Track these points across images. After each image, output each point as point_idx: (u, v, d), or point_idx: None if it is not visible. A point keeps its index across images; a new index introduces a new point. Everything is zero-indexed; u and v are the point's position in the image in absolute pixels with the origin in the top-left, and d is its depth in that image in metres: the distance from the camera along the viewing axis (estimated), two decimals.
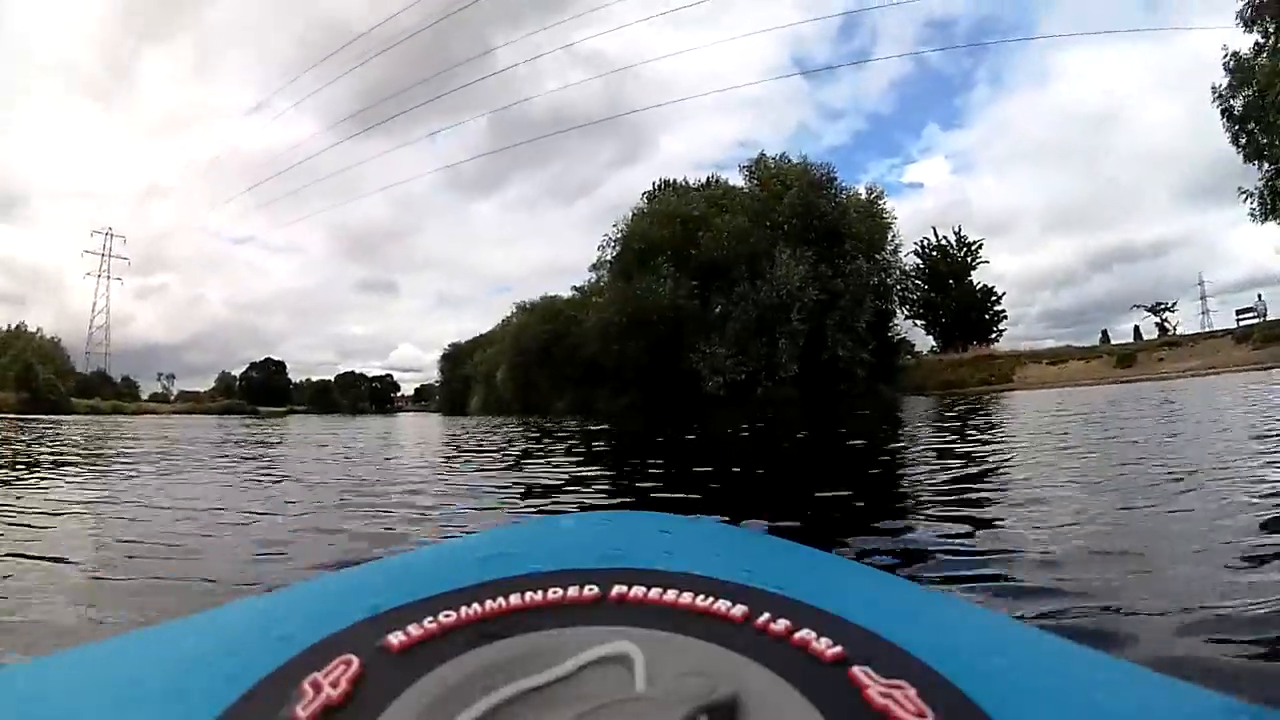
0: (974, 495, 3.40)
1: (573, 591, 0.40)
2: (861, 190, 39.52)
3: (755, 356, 34.97)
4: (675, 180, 42.75)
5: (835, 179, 39.20)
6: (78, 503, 4.24)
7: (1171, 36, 61.66)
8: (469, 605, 0.38)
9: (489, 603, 0.38)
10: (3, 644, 1.67)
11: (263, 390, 77.00)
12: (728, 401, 32.66)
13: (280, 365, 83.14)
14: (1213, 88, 25.35)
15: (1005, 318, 45.43)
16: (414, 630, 0.36)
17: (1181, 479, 3.43)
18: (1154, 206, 66.19)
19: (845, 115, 73.84)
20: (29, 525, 3.29)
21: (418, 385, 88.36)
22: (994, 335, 44.11)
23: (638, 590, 0.40)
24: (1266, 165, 24.79)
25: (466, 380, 59.23)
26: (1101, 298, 62.32)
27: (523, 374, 46.21)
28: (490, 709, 0.30)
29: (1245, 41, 24.75)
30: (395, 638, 0.35)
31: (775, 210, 37.32)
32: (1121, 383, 26.04)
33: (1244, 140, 25.02)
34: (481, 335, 59.73)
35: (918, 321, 43.81)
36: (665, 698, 0.30)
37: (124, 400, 64.78)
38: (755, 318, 35.12)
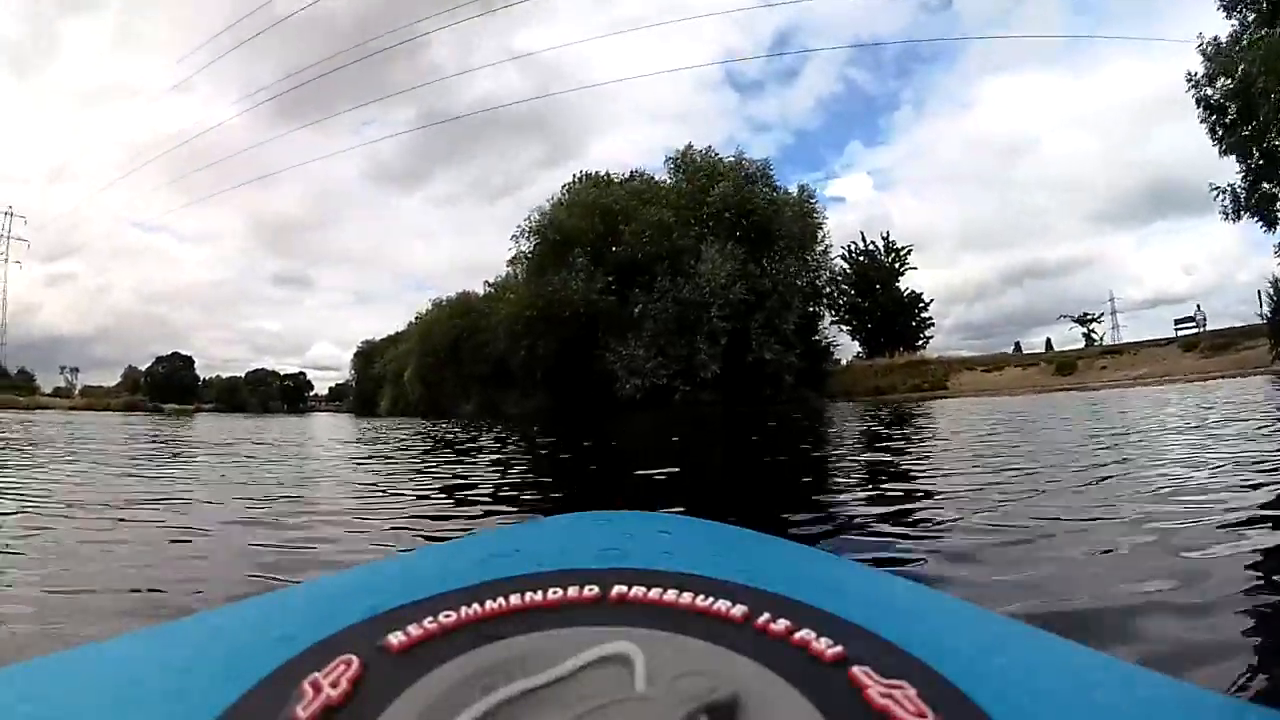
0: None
1: (573, 591, 0.40)
2: (793, 189, 37.21)
3: (675, 358, 32.36)
4: (596, 173, 39.87)
5: (771, 174, 36.88)
6: None
7: (1087, 73, 69.15)
8: (469, 605, 0.38)
9: (489, 603, 0.38)
10: None
11: (169, 386, 74.27)
12: (644, 406, 30.28)
13: (188, 360, 79.73)
14: (1188, 75, 24.12)
15: (932, 324, 44.70)
16: (414, 630, 0.35)
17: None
18: (1064, 228, 71.28)
19: (773, 129, 75.36)
20: None
21: (333, 384, 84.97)
22: (920, 342, 43.21)
23: (638, 590, 0.39)
24: (1238, 161, 23.23)
25: (378, 380, 55.95)
26: (1013, 311, 69.07)
27: (430, 374, 43.18)
28: (490, 709, 0.30)
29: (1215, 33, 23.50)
30: (395, 638, 0.35)
31: (702, 204, 34.75)
32: (1064, 390, 24.20)
33: (1220, 131, 23.25)
34: (397, 333, 56.11)
35: (843, 326, 42.60)
36: (665, 698, 0.30)
37: (20, 394, 60.98)
38: (676, 316, 32.55)
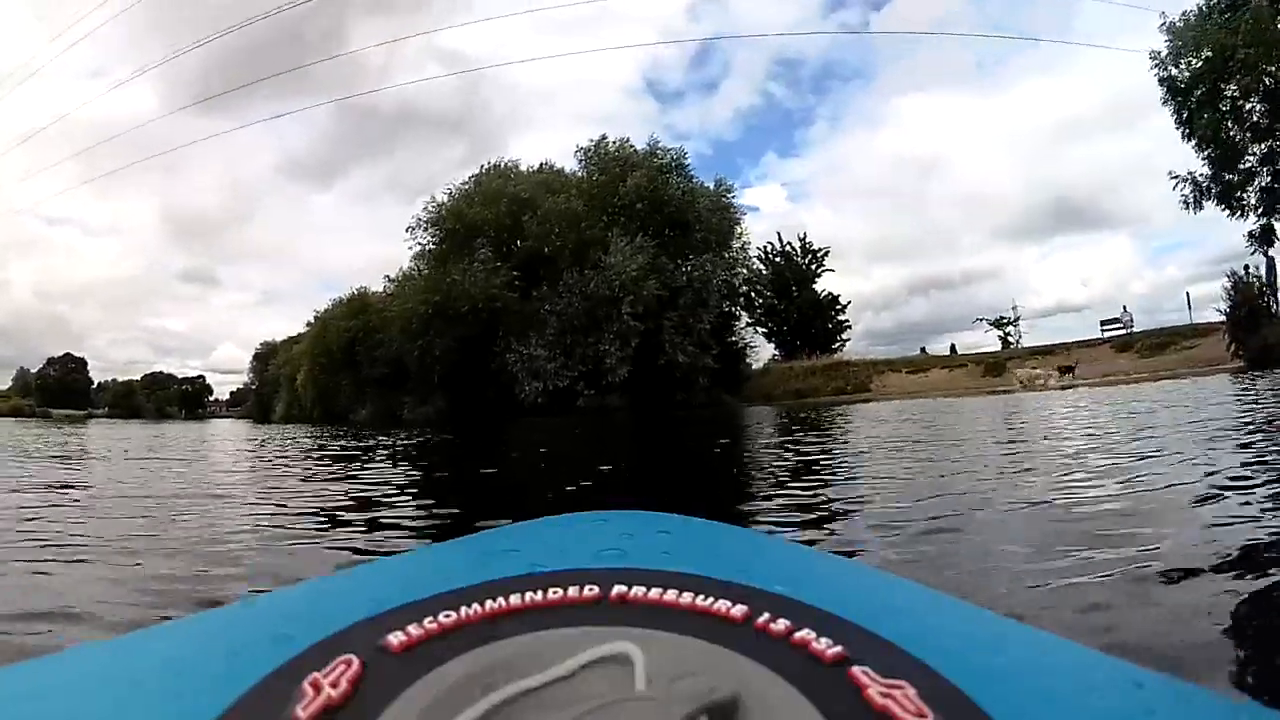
0: None
1: (573, 591, 0.40)
2: (710, 184, 34.94)
3: (581, 359, 29.79)
4: (503, 160, 36.96)
5: (687, 164, 34.49)
6: None
7: (997, 94, 70.95)
8: (469, 605, 0.38)
9: (489, 603, 0.38)
10: None
11: (60, 390, 69.00)
12: (547, 410, 27.79)
13: (80, 363, 74.95)
14: (1151, 54, 22.50)
15: (849, 326, 43.07)
16: (414, 630, 0.36)
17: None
18: (969, 242, 73.14)
19: (691, 138, 74.59)
20: None
21: (235, 388, 79.81)
22: (837, 344, 41.26)
23: (638, 590, 0.40)
24: (1197, 151, 21.85)
25: (275, 384, 52.32)
26: (919, 319, 68.60)
27: (324, 377, 39.81)
28: (490, 709, 0.30)
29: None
30: (395, 638, 0.35)
31: (615, 195, 32.27)
32: (993, 393, 22.17)
33: (1185, 115, 21.87)
34: (299, 335, 52.06)
35: (759, 328, 40.37)
36: (665, 698, 0.30)
37: None
38: (583, 312, 29.98)
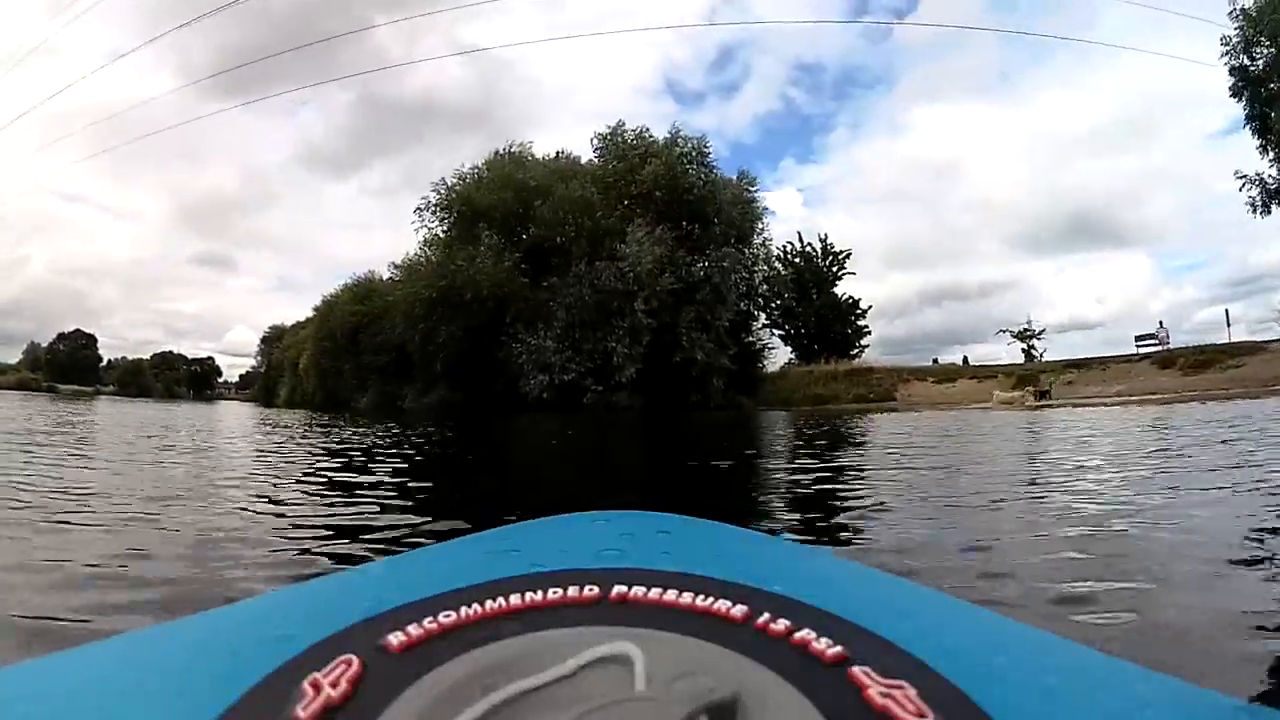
0: None
1: (573, 591, 0.40)
2: (732, 176, 33.42)
3: (589, 353, 28.37)
4: (517, 147, 35.55)
5: (707, 152, 32.96)
6: None
7: (1017, 105, 72.69)
8: (469, 605, 0.38)
9: (489, 603, 0.38)
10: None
11: (70, 366, 69.25)
12: (553, 406, 26.38)
13: (90, 339, 75.00)
14: (1222, 39, 20.76)
15: (869, 332, 41.89)
16: (414, 630, 0.35)
17: None
18: (984, 253, 74.15)
19: (709, 139, 72.42)
20: None
21: (245, 370, 79.60)
22: (856, 350, 40.10)
23: (638, 590, 0.39)
24: (1260, 154, 20.23)
25: (281, 368, 51.49)
26: (931, 330, 71.25)
27: (327, 362, 38.78)
28: (490, 709, 0.30)
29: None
30: (395, 638, 0.35)
31: (631, 183, 30.83)
32: (1051, 406, 20.54)
33: (1256, 106, 20.15)
34: (307, 320, 51.19)
35: (775, 330, 39.05)
36: (665, 698, 0.30)
37: None
38: (594, 304, 28.58)
